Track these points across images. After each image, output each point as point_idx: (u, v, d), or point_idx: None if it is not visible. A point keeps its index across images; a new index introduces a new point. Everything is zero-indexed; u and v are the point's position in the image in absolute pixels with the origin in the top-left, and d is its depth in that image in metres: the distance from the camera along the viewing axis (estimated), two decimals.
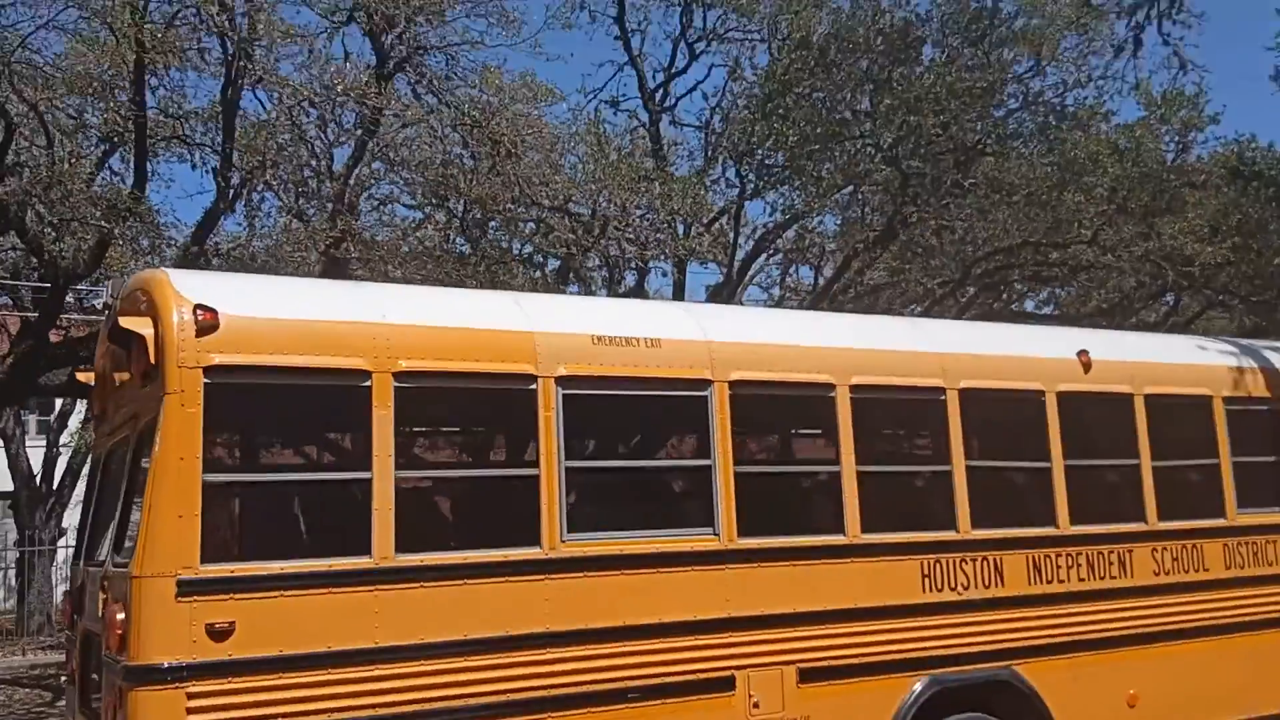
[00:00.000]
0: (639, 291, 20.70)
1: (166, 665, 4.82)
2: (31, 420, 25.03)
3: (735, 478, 6.18)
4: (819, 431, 7.04)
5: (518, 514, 5.68)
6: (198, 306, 5.12)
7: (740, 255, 20.90)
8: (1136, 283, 20.86)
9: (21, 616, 21.31)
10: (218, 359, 5.10)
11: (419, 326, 5.63)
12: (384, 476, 5.31)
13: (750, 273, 22.50)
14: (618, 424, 6.50)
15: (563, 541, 5.67)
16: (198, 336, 5.08)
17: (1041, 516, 7.27)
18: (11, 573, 25.31)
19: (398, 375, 5.43)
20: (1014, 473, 7.84)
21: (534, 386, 5.75)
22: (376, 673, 5.18)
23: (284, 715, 4.98)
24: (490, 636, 5.43)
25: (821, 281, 21.73)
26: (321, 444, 6.57)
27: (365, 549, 5.25)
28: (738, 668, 6.02)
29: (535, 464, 5.71)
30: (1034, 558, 7.13)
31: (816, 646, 6.26)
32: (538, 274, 19.53)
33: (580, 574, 5.69)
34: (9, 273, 16.79)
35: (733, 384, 6.26)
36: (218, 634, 4.90)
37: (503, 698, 5.42)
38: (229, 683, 4.90)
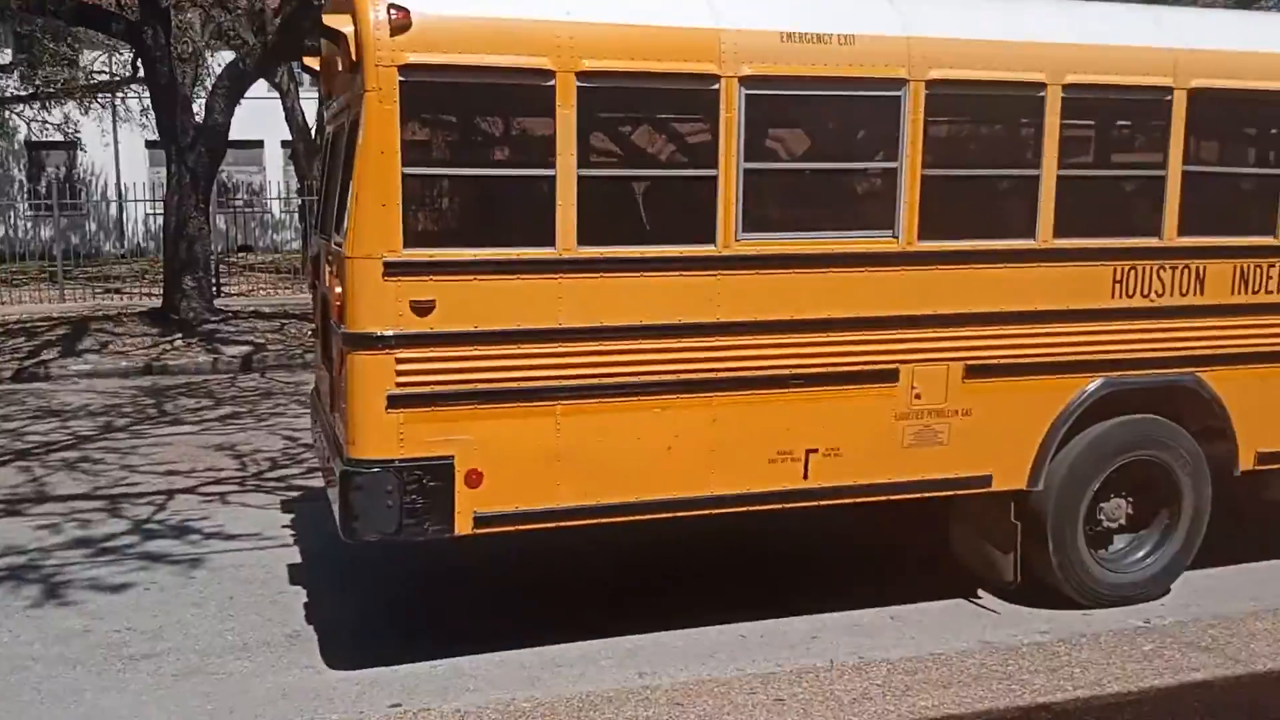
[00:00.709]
0: None
1: (378, 334, 5.53)
2: (305, 76, 26.48)
3: (921, 181, 6.17)
4: (1022, 134, 6.82)
5: (694, 213, 5.95)
6: (391, 6, 5.35)
7: None
8: None
9: (305, 258, 23.70)
10: (412, 58, 5.38)
11: (602, 24, 5.71)
12: (567, 173, 5.65)
13: None
14: (803, 125, 6.50)
15: (737, 240, 5.94)
16: (392, 36, 5.35)
17: (1259, 225, 6.95)
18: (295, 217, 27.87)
19: (580, 75, 5.61)
20: (1237, 179, 7.43)
21: (716, 87, 5.82)
22: (558, 349, 5.75)
23: (477, 380, 5.67)
24: (663, 323, 5.88)
25: None
26: (510, 141, 6.88)
27: (550, 240, 5.69)
28: (901, 362, 6.28)
29: (714, 165, 5.88)
30: (1243, 268, 6.90)
31: (985, 346, 6.43)
32: None
33: (751, 271, 5.99)
34: None
35: (930, 84, 6.12)
36: (420, 309, 5.53)
37: (670, 377, 5.93)
38: (430, 350, 5.58)
